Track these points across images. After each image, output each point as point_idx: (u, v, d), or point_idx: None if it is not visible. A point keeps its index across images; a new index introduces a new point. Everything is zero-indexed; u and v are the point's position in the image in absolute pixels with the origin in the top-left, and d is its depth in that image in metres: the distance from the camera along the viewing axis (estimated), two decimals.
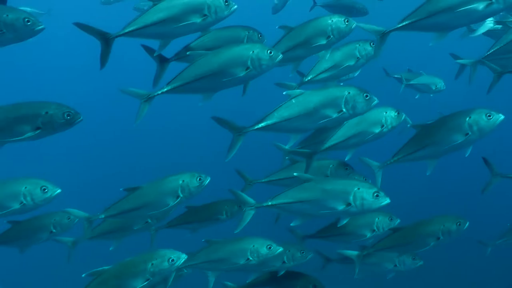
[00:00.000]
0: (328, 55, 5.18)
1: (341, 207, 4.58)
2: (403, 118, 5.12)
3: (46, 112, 4.16)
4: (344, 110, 4.52)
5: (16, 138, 4.20)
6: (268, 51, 4.42)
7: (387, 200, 4.56)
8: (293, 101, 4.62)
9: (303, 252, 5.50)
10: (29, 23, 4.08)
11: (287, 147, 4.97)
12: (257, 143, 6.37)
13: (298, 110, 4.58)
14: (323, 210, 4.67)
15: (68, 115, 4.19)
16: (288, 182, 5.50)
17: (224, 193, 6.15)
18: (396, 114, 5.04)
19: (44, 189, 4.52)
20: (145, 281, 4.49)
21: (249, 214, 4.83)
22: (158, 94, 4.53)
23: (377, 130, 5.03)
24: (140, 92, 4.55)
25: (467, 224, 5.18)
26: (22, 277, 10.49)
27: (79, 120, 4.25)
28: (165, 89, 4.53)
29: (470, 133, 4.65)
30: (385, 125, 5.04)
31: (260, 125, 4.63)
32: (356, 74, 6.01)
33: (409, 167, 5.43)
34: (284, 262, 5.41)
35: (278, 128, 4.68)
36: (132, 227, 5.38)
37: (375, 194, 4.54)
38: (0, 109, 4.21)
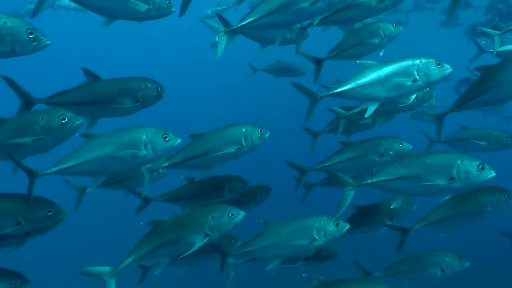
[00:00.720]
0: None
1: (444, 182, 4.41)
2: (434, 94, 5.53)
3: (146, 86, 4.48)
4: (417, 77, 4.66)
5: (118, 108, 4.41)
6: None
7: (492, 173, 4.38)
8: (366, 70, 4.82)
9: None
10: (169, 5, 4.49)
11: (366, 115, 5.00)
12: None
13: (371, 78, 4.76)
14: (425, 187, 4.49)
15: (160, 89, 4.55)
16: (342, 166, 5.56)
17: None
18: (428, 90, 5.45)
19: (166, 138, 4.34)
20: (205, 237, 4.38)
21: (350, 195, 4.76)
22: (234, 29, 4.72)
23: (408, 102, 5.22)
24: (219, 26, 4.75)
25: None
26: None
27: (164, 94, 4.57)
28: (240, 24, 4.70)
29: None
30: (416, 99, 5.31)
31: (335, 91, 4.84)
32: (381, 54, 6.15)
33: None
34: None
35: (352, 95, 4.84)
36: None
37: (480, 167, 4.36)
38: (105, 82, 4.44)
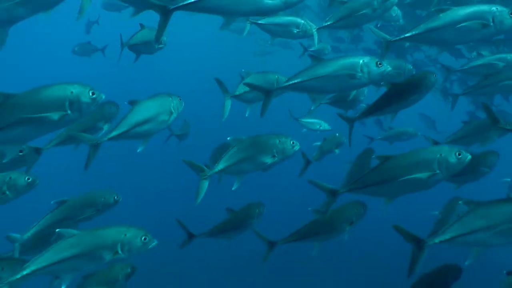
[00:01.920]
0: None
1: None
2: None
3: None
4: (491, 24, 4.67)
5: None
6: None
7: None
8: (442, 14, 4.81)
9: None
10: None
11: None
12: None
13: (444, 22, 4.81)
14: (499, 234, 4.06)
15: None
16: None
17: None
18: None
19: (379, 64, 4.77)
20: (272, 157, 5.03)
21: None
22: None
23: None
24: None
25: None
26: None
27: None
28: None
29: None
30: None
31: (408, 34, 4.94)
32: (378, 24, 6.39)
33: None
34: None
35: (425, 39, 4.92)
36: None
37: None
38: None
